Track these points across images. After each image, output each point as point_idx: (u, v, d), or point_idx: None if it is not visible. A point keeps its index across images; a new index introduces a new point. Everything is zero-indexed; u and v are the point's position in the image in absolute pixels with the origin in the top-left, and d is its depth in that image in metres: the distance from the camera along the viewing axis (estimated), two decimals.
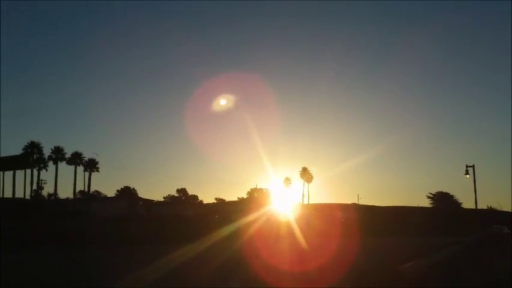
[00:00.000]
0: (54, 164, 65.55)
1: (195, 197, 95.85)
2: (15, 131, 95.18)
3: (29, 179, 59.97)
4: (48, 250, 20.08)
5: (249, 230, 34.20)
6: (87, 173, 68.31)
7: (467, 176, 40.59)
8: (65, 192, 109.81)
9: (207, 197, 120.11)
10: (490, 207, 70.04)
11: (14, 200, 55.85)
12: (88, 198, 70.80)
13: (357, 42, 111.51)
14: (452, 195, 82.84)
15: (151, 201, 78.03)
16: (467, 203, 75.39)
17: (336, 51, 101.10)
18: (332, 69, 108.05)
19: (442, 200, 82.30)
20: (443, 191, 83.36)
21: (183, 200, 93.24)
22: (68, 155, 66.57)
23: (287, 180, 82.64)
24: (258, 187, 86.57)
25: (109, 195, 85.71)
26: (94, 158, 68.97)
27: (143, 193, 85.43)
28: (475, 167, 40.81)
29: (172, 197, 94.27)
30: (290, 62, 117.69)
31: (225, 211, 62.77)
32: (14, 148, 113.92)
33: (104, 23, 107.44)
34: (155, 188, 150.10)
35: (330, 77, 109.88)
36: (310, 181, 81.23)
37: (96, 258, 17.59)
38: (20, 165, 56.89)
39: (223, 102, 70.21)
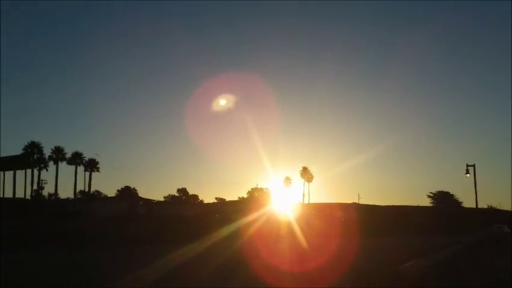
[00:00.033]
0: (54, 164, 65.70)
1: (195, 197, 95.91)
2: (16, 131, 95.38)
3: (29, 179, 60.15)
4: (48, 250, 20.08)
5: (249, 229, 34.21)
6: (87, 173, 68.50)
7: (468, 175, 40.64)
8: (66, 192, 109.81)
9: (208, 197, 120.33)
10: (491, 206, 70.06)
11: (14, 200, 55.91)
12: (89, 198, 70.87)
13: (357, 42, 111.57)
14: (453, 195, 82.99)
15: (151, 201, 78.12)
16: (468, 202, 75.58)
17: (336, 51, 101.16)
18: (332, 69, 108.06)
19: (443, 199, 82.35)
20: (444, 190, 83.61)
21: (183, 200, 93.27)
22: (68, 155, 66.77)
23: (287, 179, 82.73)
24: (259, 187, 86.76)
25: (109, 195, 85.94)
26: (95, 158, 69.16)
27: (144, 193, 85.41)
28: (475, 166, 40.87)
29: (173, 196, 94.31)
30: (290, 62, 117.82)
31: (225, 211, 62.85)
32: (14, 148, 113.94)
33: (104, 23, 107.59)
34: (155, 188, 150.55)
35: (330, 77, 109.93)
36: (311, 181, 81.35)
37: (96, 258, 17.59)
38: (21, 165, 56.96)
39: (223, 102, 70.23)
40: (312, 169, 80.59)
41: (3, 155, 57.14)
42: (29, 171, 59.49)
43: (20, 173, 57.58)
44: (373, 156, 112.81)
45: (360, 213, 58.97)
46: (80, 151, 68.03)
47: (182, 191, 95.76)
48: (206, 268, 14.00)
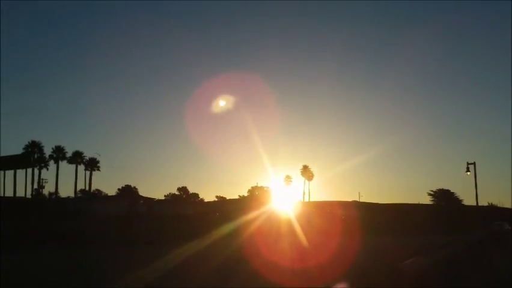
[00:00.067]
0: (55, 163, 65.78)
1: (196, 195, 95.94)
2: (16, 131, 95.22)
3: (30, 178, 60.24)
4: (48, 250, 20.09)
5: (250, 228, 34.21)
6: (88, 172, 68.55)
7: (468, 173, 40.69)
8: (66, 191, 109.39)
9: (208, 195, 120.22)
10: (491, 204, 70.04)
11: (15, 199, 55.99)
12: (89, 197, 70.90)
13: (357, 42, 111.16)
14: (453, 193, 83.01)
15: (151, 199, 78.05)
16: (468, 200, 75.53)
17: (336, 51, 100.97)
18: (332, 69, 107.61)
19: (443, 197, 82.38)
20: (444, 188, 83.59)
21: (184, 199, 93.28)
22: (68, 154, 66.81)
23: (288, 178, 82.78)
24: (259, 185, 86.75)
25: (109, 194, 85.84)
26: (95, 157, 69.18)
27: (144, 192, 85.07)
28: (476, 164, 40.87)
29: (173, 195, 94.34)
30: (290, 62, 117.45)
31: (226, 209, 62.76)
32: (14, 148, 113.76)
33: (104, 23, 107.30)
34: (156, 187, 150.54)
35: (330, 77, 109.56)
36: (311, 179, 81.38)
37: (96, 258, 17.59)
38: (21, 164, 57.03)
39: (223, 102, 70.18)
40: (313, 169, 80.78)
41: (3, 154, 57.24)
42: (29, 170, 59.69)
43: (20, 172, 57.82)
44: (373, 156, 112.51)
45: (361, 211, 58.88)
46: (80, 150, 68.26)
47: (183, 190, 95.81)
48: (207, 266, 13.99)
